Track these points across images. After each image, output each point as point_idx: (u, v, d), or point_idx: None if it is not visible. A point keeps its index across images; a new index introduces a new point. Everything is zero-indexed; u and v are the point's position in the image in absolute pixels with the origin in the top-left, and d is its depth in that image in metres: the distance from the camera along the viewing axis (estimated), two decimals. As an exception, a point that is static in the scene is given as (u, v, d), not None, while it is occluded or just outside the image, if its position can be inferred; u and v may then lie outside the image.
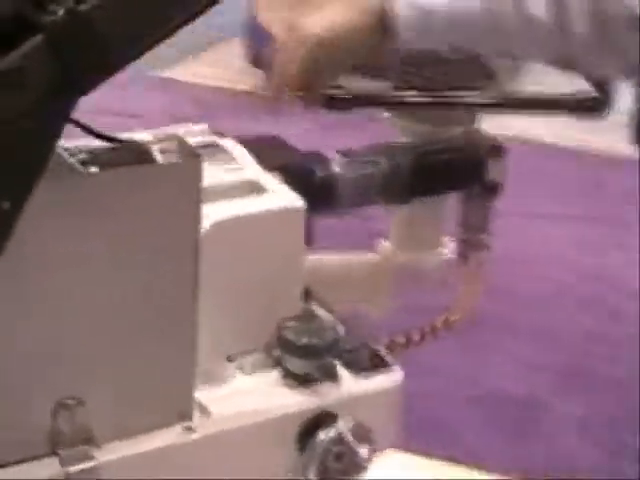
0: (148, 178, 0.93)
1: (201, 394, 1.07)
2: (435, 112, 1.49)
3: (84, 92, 0.83)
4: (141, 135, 1.20)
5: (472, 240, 1.45)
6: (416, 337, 1.42)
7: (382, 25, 1.18)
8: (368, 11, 1.18)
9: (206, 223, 1.07)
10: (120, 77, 0.85)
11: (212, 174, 1.16)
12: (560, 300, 3.32)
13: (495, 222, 3.69)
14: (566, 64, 1.19)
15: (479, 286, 1.45)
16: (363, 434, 1.06)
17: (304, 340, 1.08)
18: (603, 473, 2.44)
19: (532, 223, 3.87)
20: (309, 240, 1.25)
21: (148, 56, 0.95)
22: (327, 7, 1.19)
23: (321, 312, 1.23)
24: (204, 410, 1.06)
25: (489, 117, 1.49)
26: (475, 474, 2.49)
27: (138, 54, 0.85)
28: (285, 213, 1.11)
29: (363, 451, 1.04)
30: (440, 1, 1.17)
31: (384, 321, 1.57)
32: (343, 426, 1.05)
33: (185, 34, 0.96)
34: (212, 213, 1.08)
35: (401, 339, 1.41)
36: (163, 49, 0.99)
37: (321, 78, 1.24)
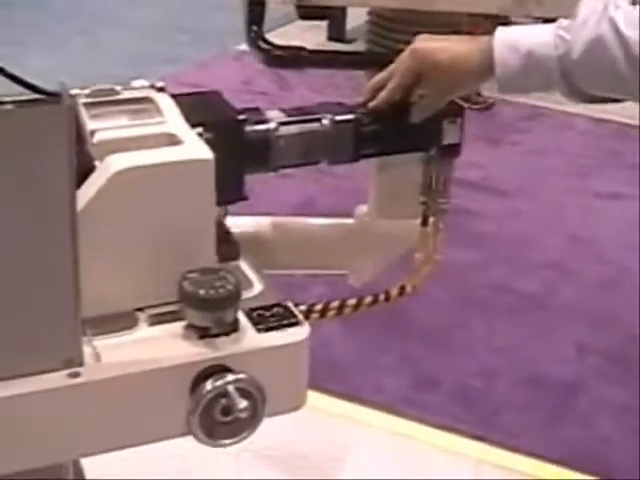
0: (11, 121, 0.93)
1: (100, 342, 1.09)
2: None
3: None
4: (76, 90, 1.23)
5: (432, 204, 1.41)
6: (368, 301, 1.39)
7: (488, 64, 1.27)
8: (482, 48, 1.27)
9: (109, 172, 1.08)
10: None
11: (132, 126, 1.17)
12: (621, 283, 3.21)
13: (566, 201, 3.62)
14: None
15: (437, 253, 1.42)
16: (250, 389, 1.05)
17: (201, 292, 1.07)
18: (635, 459, 2.35)
19: (599, 202, 3.76)
20: (241, 197, 1.25)
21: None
22: (445, 39, 1.32)
23: (246, 269, 1.23)
24: (97, 357, 1.06)
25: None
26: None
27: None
28: (191, 164, 1.11)
29: (244, 405, 1.03)
30: (542, 47, 1.24)
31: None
32: (230, 379, 1.04)
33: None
34: (118, 162, 1.09)
35: (352, 302, 1.38)
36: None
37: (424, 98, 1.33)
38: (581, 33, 1.21)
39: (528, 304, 3.12)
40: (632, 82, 1.20)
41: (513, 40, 1.26)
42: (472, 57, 1.27)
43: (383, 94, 1.33)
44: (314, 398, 2.48)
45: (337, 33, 4.94)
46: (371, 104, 1.33)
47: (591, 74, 1.23)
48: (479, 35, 1.30)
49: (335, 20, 4.86)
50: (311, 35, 4.69)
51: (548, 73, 1.24)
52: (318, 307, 1.36)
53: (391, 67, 1.34)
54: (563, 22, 1.25)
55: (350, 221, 1.56)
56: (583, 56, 1.22)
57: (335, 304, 1.37)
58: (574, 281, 3.24)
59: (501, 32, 1.27)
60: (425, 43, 1.31)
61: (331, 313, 1.37)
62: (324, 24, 5.03)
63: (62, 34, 5.30)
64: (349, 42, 4.69)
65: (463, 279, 3.20)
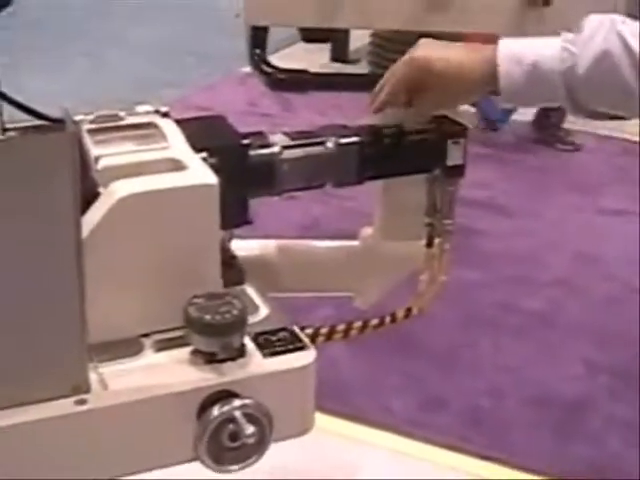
0: (16, 150, 0.94)
1: (107, 369, 1.09)
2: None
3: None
4: (80, 116, 1.23)
5: (436, 225, 1.41)
6: (374, 323, 1.39)
7: (491, 75, 1.25)
8: (486, 58, 1.26)
9: (113, 198, 1.08)
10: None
11: (136, 152, 1.18)
12: (627, 300, 3.21)
13: (571, 218, 3.59)
14: None
15: (442, 274, 1.41)
16: (257, 414, 1.05)
17: (207, 318, 1.07)
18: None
19: (605, 220, 3.76)
20: (246, 221, 1.25)
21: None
22: (446, 46, 1.30)
23: (252, 294, 1.23)
24: (103, 384, 1.06)
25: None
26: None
27: None
28: (196, 190, 1.11)
29: (252, 431, 1.03)
30: (547, 60, 1.23)
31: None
32: (236, 405, 1.04)
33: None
34: (122, 189, 1.09)
35: (358, 325, 1.38)
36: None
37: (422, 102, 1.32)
38: (588, 47, 1.20)
39: (535, 323, 3.11)
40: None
41: (518, 52, 1.25)
42: (475, 68, 1.26)
43: (376, 102, 1.32)
44: (321, 419, 2.48)
45: (340, 54, 4.94)
46: (371, 109, 1.32)
47: (597, 89, 1.22)
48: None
49: (338, 41, 4.87)
50: (315, 56, 4.69)
51: (553, 87, 1.23)
52: (324, 330, 1.35)
53: (387, 74, 1.33)
54: (569, 36, 1.24)
55: (355, 243, 1.56)
56: (590, 70, 1.21)
57: (341, 327, 1.37)
58: (580, 299, 3.24)
59: (505, 43, 1.26)
60: (424, 51, 1.29)
61: (337, 336, 1.36)
62: (328, 45, 5.04)
63: (66, 57, 5.32)
64: (352, 63, 4.70)
65: (469, 298, 3.19)
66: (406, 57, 1.30)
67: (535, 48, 1.25)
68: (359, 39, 4.48)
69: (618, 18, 1.21)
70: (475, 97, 1.32)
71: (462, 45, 1.31)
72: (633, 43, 1.17)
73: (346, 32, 4.14)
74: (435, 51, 1.29)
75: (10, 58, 5.14)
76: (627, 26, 1.20)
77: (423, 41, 1.31)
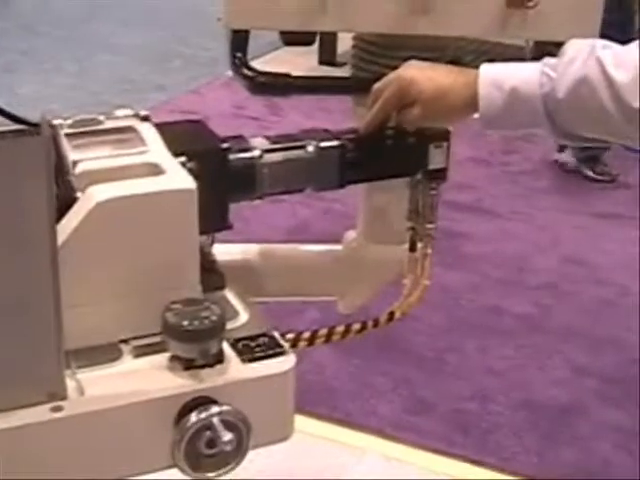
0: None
1: (84, 375, 1.08)
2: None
3: None
4: (58, 120, 1.22)
5: (419, 229, 1.41)
6: (357, 328, 1.38)
7: (472, 99, 1.26)
8: (468, 82, 1.26)
9: (91, 203, 1.07)
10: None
11: (115, 156, 1.17)
12: (617, 304, 3.20)
13: (560, 221, 3.58)
14: None
15: (426, 279, 1.41)
16: (235, 421, 1.04)
17: (185, 324, 1.06)
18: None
19: (598, 224, 3.75)
20: (225, 225, 1.25)
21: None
22: (433, 68, 1.31)
23: (232, 299, 1.22)
24: (80, 391, 1.05)
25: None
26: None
27: None
28: (174, 195, 1.10)
29: (229, 438, 1.02)
30: (527, 85, 1.23)
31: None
32: (214, 411, 1.03)
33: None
34: (100, 194, 1.08)
35: (340, 329, 1.37)
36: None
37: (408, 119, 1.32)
38: (567, 72, 1.21)
39: (523, 326, 3.10)
40: (620, 123, 1.19)
41: (498, 76, 1.25)
42: (457, 91, 1.26)
43: (367, 118, 1.32)
44: (306, 423, 2.47)
45: (328, 57, 4.94)
46: (363, 129, 1.33)
47: (576, 114, 1.22)
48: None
49: (326, 45, 4.86)
50: (303, 60, 4.69)
51: (532, 111, 1.24)
52: (306, 335, 1.34)
53: (375, 88, 1.33)
54: (550, 60, 1.24)
55: (338, 247, 1.56)
56: (568, 95, 1.21)
57: (323, 331, 1.36)
58: (569, 302, 3.23)
59: (487, 68, 1.26)
60: (411, 71, 1.30)
61: (319, 341, 1.36)
62: (316, 49, 5.03)
63: (54, 59, 5.30)
64: (340, 66, 4.70)
65: (456, 302, 3.19)
66: (392, 75, 1.31)
67: (515, 73, 1.25)
68: (347, 42, 4.48)
69: (599, 42, 1.21)
70: (458, 119, 1.32)
71: (447, 67, 1.32)
72: (611, 70, 1.17)
73: (334, 35, 4.13)
74: (421, 72, 1.30)
75: (1, 61, 5.13)
76: (610, 51, 1.19)
77: (409, 63, 1.33)
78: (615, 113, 1.17)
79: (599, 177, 4.12)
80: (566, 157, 4.17)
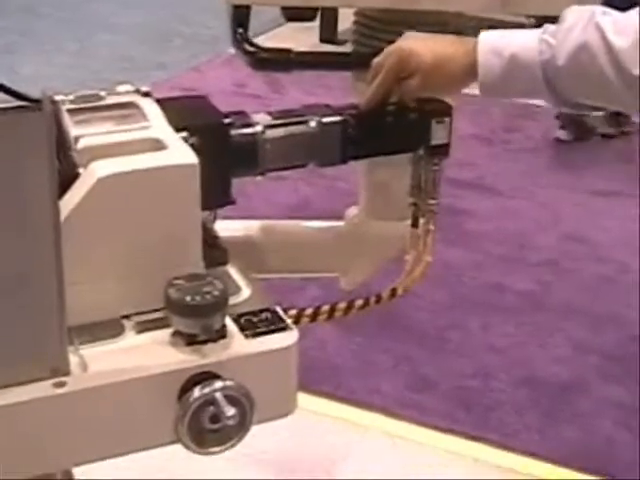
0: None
1: (87, 351, 1.08)
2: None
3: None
4: (60, 96, 1.22)
5: (421, 205, 1.40)
6: (359, 304, 1.38)
7: (472, 67, 1.26)
8: (467, 51, 1.26)
9: (93, 179, 1.07)
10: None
11: (116, 132, 1.16)
12: (618, 281, 3.20)
13: (561, 198, 3.59)
14: None
15: (428, 255, 1.40)
16: (238, 396, 1.04)
17: (187, 299, 1.06)
18: (636, 458, 2.34)
19: (598, 201, 3.75)
20: (228, 201, 1.24)
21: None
22: (432, 38, 1.31)
23: (235, 274, 1.22)
24: (83, 366, 1.05)
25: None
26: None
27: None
28: (176, 170, 1.10)
29: (232, 413, 1.02)
30: (526, 52, 1.23)
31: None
32: (217, 386, 1.03)
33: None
34: (102, 169, 1.08)
35: (342, 306, 1.37)
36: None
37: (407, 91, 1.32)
38: (567, 39, 1.20)
39: (524, 303, 3.11)
40: (619, 90, 1.19)
41: (497, 44, 1.25)
42: (457, 60, 1.26)
43: (368, 92, 1.32)
44: (309, 401, 2.48)
45: (329, 35, 4.92)
46: (365, 103, 1.32)
47: (576, 81, 1.22)
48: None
49: (326, 22, 4.84)
50: (304, 37, 4.67)
51: (532, 79, 1.23)
52: (308, 311, 1.34)
53: (375, 62, 1.32)
54: (549, 27, 1.23)
55: (340, 224, 1.56)
56: (568, 62, 1.20)
57: (326, 308, 1.36)
58: (571, 280, 3.23)
59: (486, 35, 1.26)
60: (410, 42, 1.30)
61: (322, 317, 1.35)
62: (317, 26, 5.01)
63: (55, 40, 5.29)
64: (341, 44, 4.68)
65: (458, 279, 3.19)
66: (391, 48, 1.31)
67: (514, 40, 1.25)
68: (348, 20, 4.46)
69: (598, 9, 1.20)
70: (459, 88, 1.31)
71: (447, 37, 1.32)
72: (611, 36, 1.17)
73: (335, 12, 4.12)
74: (421, 42, 1.30)
75: (2, 42, 5.12)
76: (609, 18, 1.19)
77: (408, 34, 1.32)
78: (615, 80, 1.17)
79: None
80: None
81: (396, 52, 1.29)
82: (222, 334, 1.09)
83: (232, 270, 1.22)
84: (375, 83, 1.31)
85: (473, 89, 1.29)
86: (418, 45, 1.28)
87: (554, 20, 1.34)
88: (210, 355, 1.07)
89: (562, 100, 1.26)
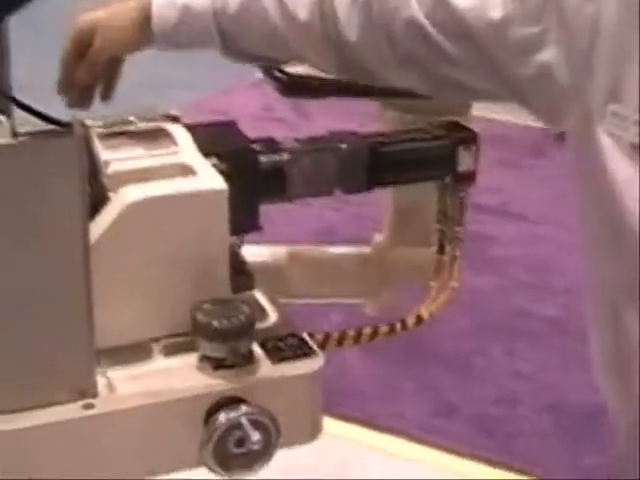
0: (24, 153, 0.94)
1: (115, 373, 1.09)
2: (423, 102, 1.45)
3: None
4: (90, 120, 1.24)
5: (448, 232, 1.41)
6: (385, 330, 1.38)
7: (147, 19, 1.26)
8: (143, 4, 1.26)
9: (123, 203, 1.09)
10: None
11: (146, 157, 1.18)
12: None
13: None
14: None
15: (454, 281, 1.41)
16: (264, 421, 1.04)
17: (215, 323, 1.07)
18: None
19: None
20: (256, 226, 1.25)
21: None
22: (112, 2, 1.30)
23: (261, 299, 1.23)
24: (111, 388, 1.06)
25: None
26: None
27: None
28: (205, 195, 1.11)
29: (258, 437, 1.02)
30: (200, 2, 1.24)
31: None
32: (243, 411, 1.04)
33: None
34: (132, 194, 1.09)
35: (368, 331, 1.38)
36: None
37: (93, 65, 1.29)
38: None
39: (550, 329, 3.10)
40: (285, 36, 1.21)
41: None
42: (131, 13, 1.26)
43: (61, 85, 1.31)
44: (334, 425, 2.48)
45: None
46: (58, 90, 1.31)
47: (245, 30, 1.23)
48: None
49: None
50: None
51: (205, 28, 1.24)
52: (335, 336, 1.35)
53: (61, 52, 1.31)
54: None
55: (366, 249, 1.56)
56: (238, 9, 1.22)
57: (351, 333, 1.36)
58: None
59: None
60: (86, 13, 1.29)
61: (348, 342, 1.36)
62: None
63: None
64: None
65: (483, 305, 3.19)
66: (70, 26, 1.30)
67: None
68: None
69: None
70: (138, 44, 1.29)
71: None
72: None
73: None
74: (96, 9, 1.29)
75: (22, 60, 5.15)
76: None
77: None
78: (286, 30, 1.20)
79: None
80: None
81: (74, 23, 1.28)
82: (249, 359, 1.10)
83: (258, 295, 1.23)
84: (62, 69, 1.30)
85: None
86: (94, 12, 1.28)
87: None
88: (237, 379, 1.07)
89: (234, 51, 1.27)
